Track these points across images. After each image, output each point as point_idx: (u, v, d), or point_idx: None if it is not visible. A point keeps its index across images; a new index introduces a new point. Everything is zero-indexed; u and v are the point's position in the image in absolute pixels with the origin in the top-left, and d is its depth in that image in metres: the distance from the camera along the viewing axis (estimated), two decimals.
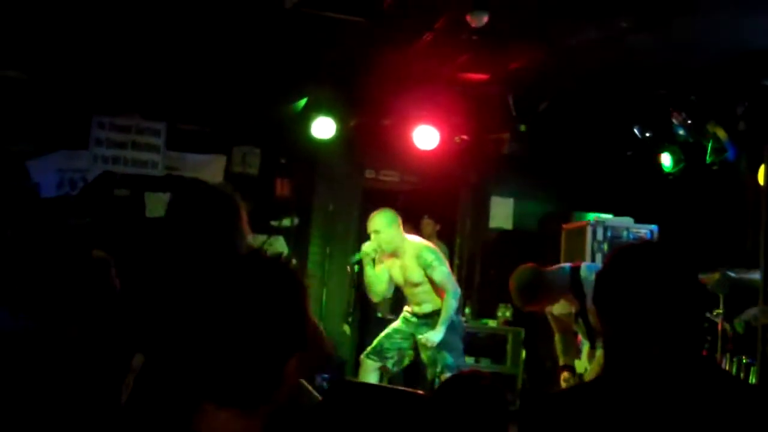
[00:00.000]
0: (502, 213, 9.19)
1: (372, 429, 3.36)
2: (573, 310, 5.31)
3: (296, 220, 8.72)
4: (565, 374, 5.52)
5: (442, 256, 6.45)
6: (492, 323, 8.74)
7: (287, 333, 1.79)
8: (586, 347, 5.52)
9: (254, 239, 8.66)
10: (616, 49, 6.67)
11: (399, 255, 6.34)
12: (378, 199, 9.33)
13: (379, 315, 9.18)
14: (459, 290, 6.37)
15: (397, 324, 6.51)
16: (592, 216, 8.00)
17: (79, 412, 2.51)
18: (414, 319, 6.42)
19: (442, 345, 6.18)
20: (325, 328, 8.52)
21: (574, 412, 1.92)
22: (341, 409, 3.62)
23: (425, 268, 6.23)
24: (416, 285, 6.31)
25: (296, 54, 7.34)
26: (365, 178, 9.02)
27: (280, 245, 8.56)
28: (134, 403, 2.38)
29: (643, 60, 6.93)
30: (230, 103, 8.26)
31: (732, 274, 6.09)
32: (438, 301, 6.28)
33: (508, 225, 9.19)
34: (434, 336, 6.14)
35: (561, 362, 5.62)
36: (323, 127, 8.14)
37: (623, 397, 1.89)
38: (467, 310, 8.94)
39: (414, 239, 6.47)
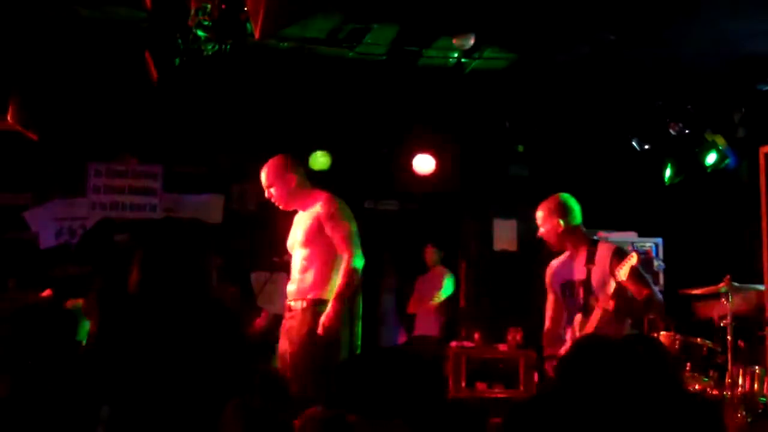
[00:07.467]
0: (505, 235, 9.09)
1: None
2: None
3: None
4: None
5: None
6: (503, 348, 8.60)
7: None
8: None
9: (257, 276, 8.55)
10: (608, 62, 6.64)
11: None
12: (379, 228, 9.26)
13: None
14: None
15: None
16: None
17: None
18: None
19: None
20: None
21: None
22: None
23: None
24: None
25: (285, 88, 7.33)
26: (364, 208, 8.95)
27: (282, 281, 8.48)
28: None
29: (637, 71, 6.88)
30: (224, 141, 8.24)
31: (736, 284, 5.94)
32: None
33: (512, 247, 9.09)
34: None
35: (546, 353, 5.38)
36: (320, 160, 8.10)
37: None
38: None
39: None
